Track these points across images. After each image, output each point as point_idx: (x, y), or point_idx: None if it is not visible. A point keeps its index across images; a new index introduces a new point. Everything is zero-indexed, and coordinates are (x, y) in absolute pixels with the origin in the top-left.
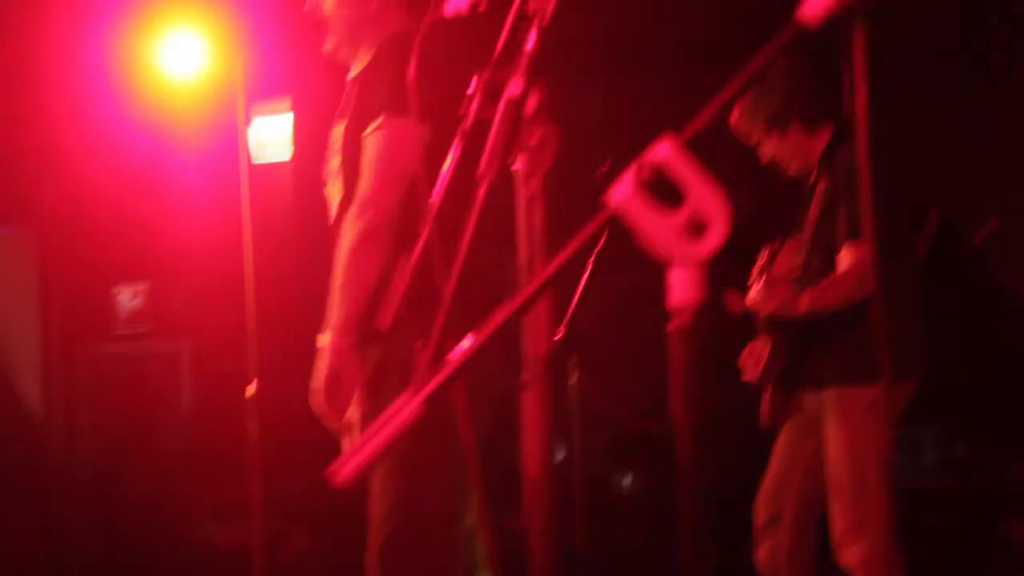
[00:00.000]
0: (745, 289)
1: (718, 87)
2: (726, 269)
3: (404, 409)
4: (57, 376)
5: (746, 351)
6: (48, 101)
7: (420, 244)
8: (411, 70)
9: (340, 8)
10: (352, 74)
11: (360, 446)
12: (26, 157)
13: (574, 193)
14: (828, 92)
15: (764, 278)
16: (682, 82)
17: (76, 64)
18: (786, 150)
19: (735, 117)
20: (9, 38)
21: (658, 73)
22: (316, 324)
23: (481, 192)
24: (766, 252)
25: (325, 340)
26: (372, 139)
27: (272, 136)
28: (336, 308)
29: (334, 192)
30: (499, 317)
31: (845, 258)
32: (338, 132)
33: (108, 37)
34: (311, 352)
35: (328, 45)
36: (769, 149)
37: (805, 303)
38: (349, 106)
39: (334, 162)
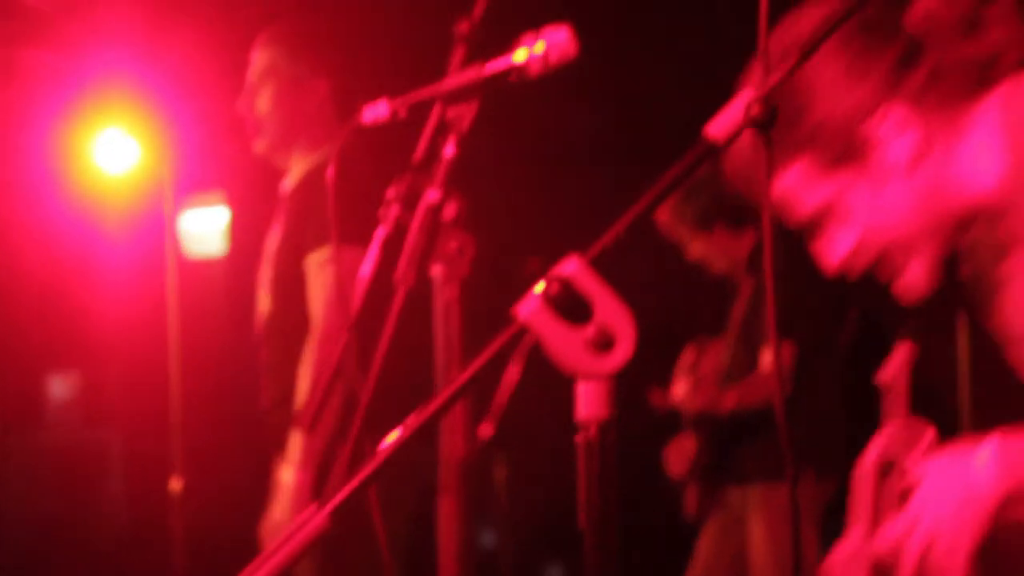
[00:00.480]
0: (668, 386)
1: (640, 184)
2: (649, 367)
3: (309, 522)
4: None
5: (671, 447)
6: None
7: (338, 351)
8: (329, 175)
9: (276, 110)
10: (287, 184)
11: (262, 561)
12: None
13: (496, 294)
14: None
15: (690, 376)
16: (605, 180)
17: (8, 156)
18: (712, 250)
19: (662, 216)
20: None
21: (581, 171)
22: (245, 418)
23: (398, 298)
24: (692, 350)
25: (287, 475)
26: (323, 271)
27: (205, 229)
28: (298, 441)
29: (264, 301)
30: (411, 424)
31: (768, 356)
32: (272, 243)
33: (42, 131)
34: (239, 446)
35: (259, 146)
36: (696, 249)
37: (731, 401)
38: (284, 217)
39: (266, 271)
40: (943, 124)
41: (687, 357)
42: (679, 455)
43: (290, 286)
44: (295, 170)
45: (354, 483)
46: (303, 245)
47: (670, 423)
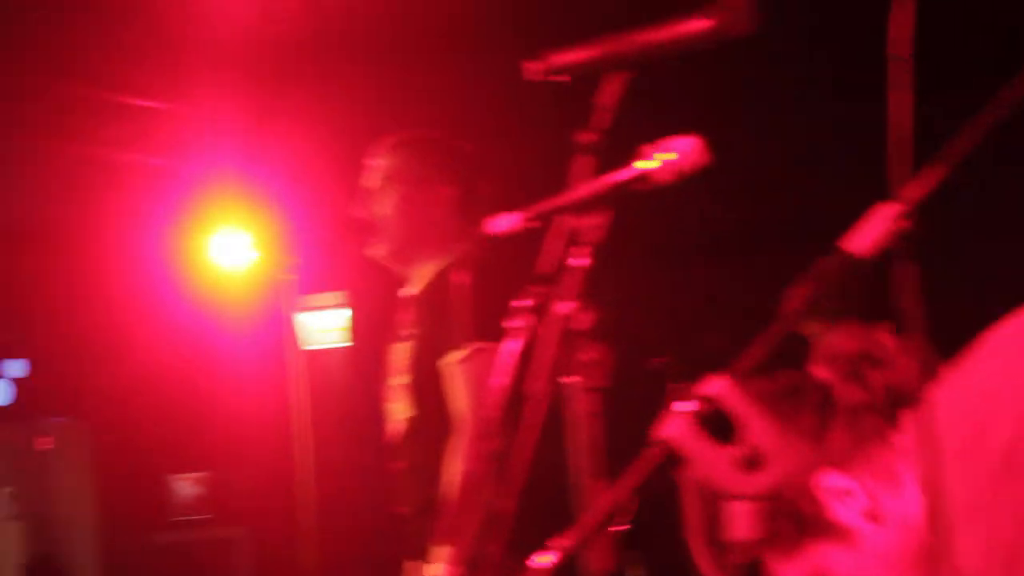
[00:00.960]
0: None
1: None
2: None
3: None
4: (114, 566)
5: None
6: (102, 293)
7: (477, 461)
8: (465, 279)
9: (401, 217)
10: (411, 289)
11: None
12: (81, 348)
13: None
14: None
15: None
16: (732, 272)
17: (130, 258)
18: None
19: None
20: (69, 233)
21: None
22: (376, 512)
23: (535, 410)
24: None
25: (437, 572)
26: (463, 368)
27: (325, 325)
28: (450, 537)
29: (398, 410)
30: (566, 546)
31: None
32: (401, 351)
33: (162, 232)
34: (371, 544)
35: (377, 251)
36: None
37: None
38: (411, 322)
39: (398, 380)
40: (872, 470)
41: None
42: None
43: (427, 391)
44: (420, 275)
45: None
46: (438, 348)
47: None
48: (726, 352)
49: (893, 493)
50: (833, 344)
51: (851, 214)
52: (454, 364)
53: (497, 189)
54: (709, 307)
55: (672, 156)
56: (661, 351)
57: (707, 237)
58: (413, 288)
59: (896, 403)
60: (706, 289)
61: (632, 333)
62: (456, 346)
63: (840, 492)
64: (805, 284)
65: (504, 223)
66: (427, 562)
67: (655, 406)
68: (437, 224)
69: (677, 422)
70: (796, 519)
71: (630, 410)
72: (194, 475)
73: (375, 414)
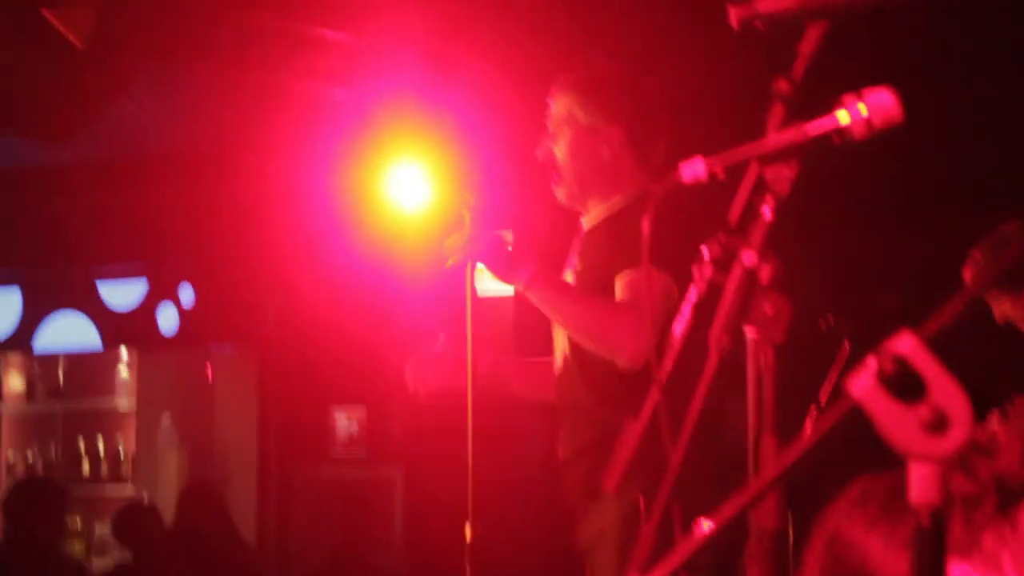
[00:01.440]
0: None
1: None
2: None
3: None
4: (271, 500)
5: None
6: (274, 228)
7: (648, 408)
8: (646, 228)
9: (572, 160)
10: (587, 225)
11: None
12: (251, 280)
13: (797, 348)
14: None
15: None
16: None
17: (302, 193)
18: (1020, 310)
19: (966, 275)
20: (243, 162)
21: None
22: (536, 463)
23: (711, 361)
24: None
25: (521, 270)
26: (635, 277)
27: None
28: (552, 288)
29: (559, 339)
30: (734, 504)
31: None
32: (567, 279)
33: (335, 167)
34: (530, 489)
35: (559, 194)
36: (1004, 309)
37: None
38: (579, 255)
39: None
40: (980, 559)
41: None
42: None
43: None
44: (592, 214)
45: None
46: (605, 276)
47: None
48: (901, 314)
49: None
50: None
51: None
52: (622, 285)
53: (675, 127)
54: (886, 268)
55: (865, 110)
56: (835, 310)
57: (889, 197)
58: (587, 225)
59: (1005, 492)
60: (884, 250)
61: (808, 291)
62: (626, 267)
63: None
64: (987, 249)
65: (693, 171)
66: (587, 508)
67: (823, 366)
68: (608, 166)
69: (865, 379)
70: None
71: (799, 369)
72: (354, 410)
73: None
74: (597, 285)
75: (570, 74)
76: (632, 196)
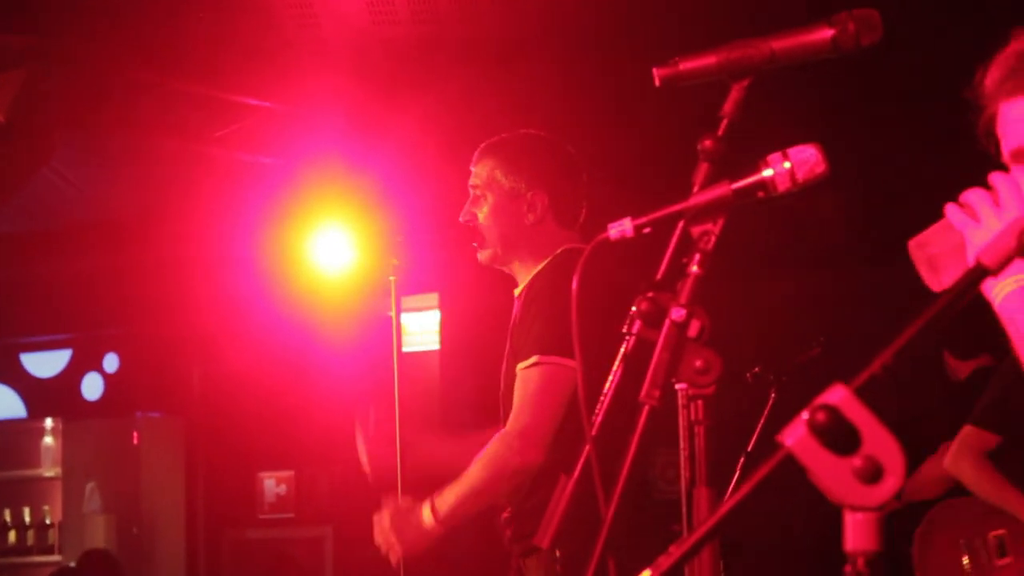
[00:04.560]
0: None
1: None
2: None
3: None
4: (200, 561)
5: None
6: (199, 294)
7: (580, 465)
8: (574, 289)
9: (495, 223)
10: (518, 290)
11: None
12: (178, 345)
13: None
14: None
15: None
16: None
17: (228, 257)
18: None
19: None
20: (165, 230)
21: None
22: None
23: (643, 415)
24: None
25: (428, 517)
26: (526, 374)
27: (416, 327)
28: (453, 502)
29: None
30: (670, 557)
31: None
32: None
33: (260, 232)
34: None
35: (482, 256)
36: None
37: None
38: (514, 319)
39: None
40: None
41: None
42: None
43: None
44: (519, 276)
45: None
46: (518, 352)
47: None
48: (823, 365)
49: None
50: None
51: None
52: (520, 373)
53: (598, 189)
54: (809, 319)
55: (789, 165)
56: (759, 362)
57: (817, 247)
58: (517, 289)
59: None
60: (805, 301)
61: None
62: (527, 355)
63: None
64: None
65: (620, 229)
66: (522, 563)
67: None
68: (530, 229)
69: (798, 430)
70: None
71: (726, 420)
72: (282, 474)
73: (463, 418)
74: (513, 359)
75: (492, 138)
76: (561, 260)
